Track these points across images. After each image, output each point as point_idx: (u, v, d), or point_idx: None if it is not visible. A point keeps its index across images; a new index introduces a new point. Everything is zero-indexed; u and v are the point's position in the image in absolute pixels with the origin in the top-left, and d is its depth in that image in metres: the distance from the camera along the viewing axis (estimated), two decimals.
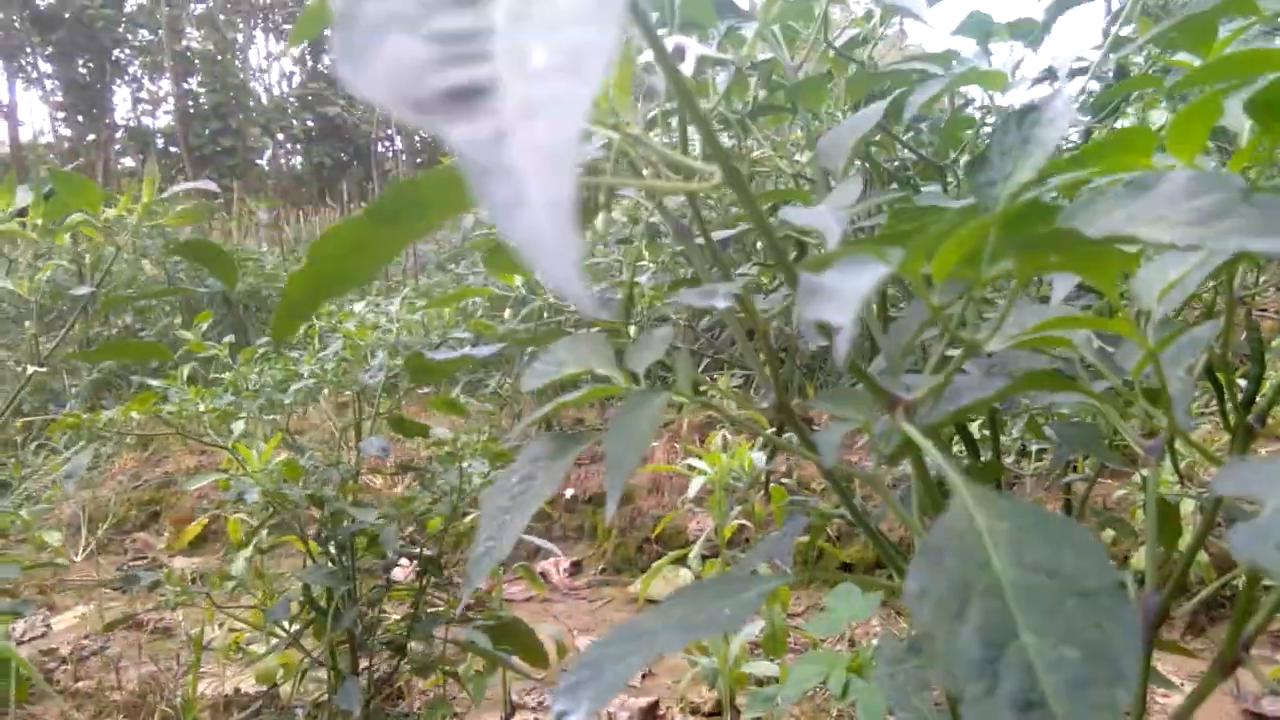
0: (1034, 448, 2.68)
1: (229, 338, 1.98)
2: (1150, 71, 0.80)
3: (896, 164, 1.28)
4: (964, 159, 1.15)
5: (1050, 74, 1.06)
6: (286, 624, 1.82)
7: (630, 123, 0.36)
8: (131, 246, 1.30)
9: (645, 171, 0.44)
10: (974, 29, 0.99)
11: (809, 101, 0.72)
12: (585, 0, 0.14)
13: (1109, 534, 2.36)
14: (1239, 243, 0.25)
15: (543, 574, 3.42)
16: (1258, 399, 0.66)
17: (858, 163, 0.82)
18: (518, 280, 2.16)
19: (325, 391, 1.84)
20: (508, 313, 3.43)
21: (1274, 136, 0.49)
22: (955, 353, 0.42)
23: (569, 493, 3.83)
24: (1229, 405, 0.63)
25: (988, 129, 1.19)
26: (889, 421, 0.41)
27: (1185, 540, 1.02)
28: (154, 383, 1.83)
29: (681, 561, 2.59)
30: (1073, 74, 0.99)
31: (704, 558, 2.60)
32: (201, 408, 1.80)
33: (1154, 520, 0.55)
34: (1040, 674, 0.26)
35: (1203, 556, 2.45)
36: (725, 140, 0.76)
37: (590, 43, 0.14)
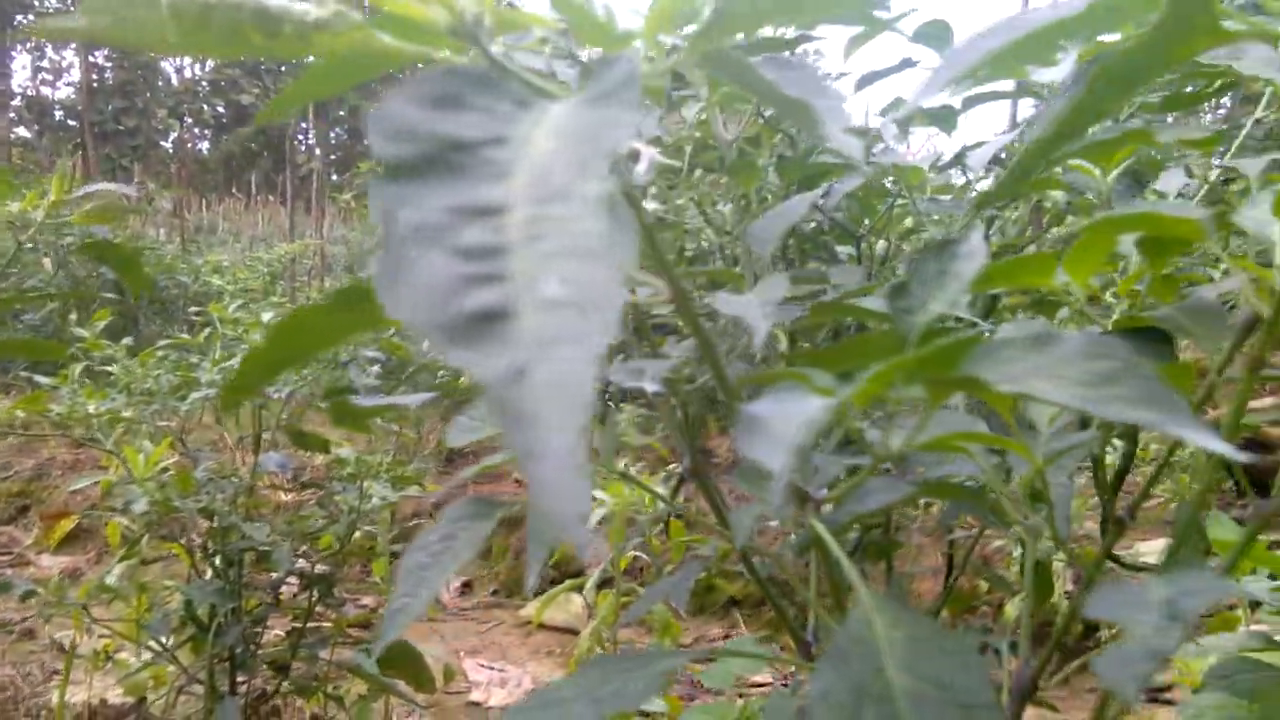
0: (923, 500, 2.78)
1: (127, 340, 1.91)
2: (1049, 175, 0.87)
3: (814, 225, 1.33)
4: (876, 228, 1.21)
5: (959, 160, 1.13)
6: (164, 638, 1.76)
7: None
8: (36, 243, 1.26)
9: None
10: (894, 113, 1.05)
11: (741, 180, 0.75)
12: (595, 233, 0.17)
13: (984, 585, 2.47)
14: (1120, 411, 0.29)
15: None
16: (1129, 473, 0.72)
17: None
18: None
19: None
20: None
21: (1156, 266, 0.54)
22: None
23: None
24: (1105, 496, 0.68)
25: (902, 200, 1.25)
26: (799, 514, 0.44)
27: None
28: (43, 380, 1.76)
29: (578, 589, 2.59)
30: (990, 165, 1.06)
31: (599, 586, 2.62)
32: (91, 408, 1.74)
33: (1030, 592, 0.59)
34: None
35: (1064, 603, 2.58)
36: (653, 205, 0.79)
37: (598, 284, 0.16)
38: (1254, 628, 1.63)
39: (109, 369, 1.96)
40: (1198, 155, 0.81)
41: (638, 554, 2.52)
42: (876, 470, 0.42)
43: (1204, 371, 0.55)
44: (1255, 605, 1.62)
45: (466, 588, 3.57)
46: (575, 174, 0.18)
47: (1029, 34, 0.28)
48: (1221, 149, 0.74)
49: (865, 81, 1.00)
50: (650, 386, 0.49)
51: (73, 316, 1.82)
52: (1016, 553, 2.70)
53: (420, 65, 0.29)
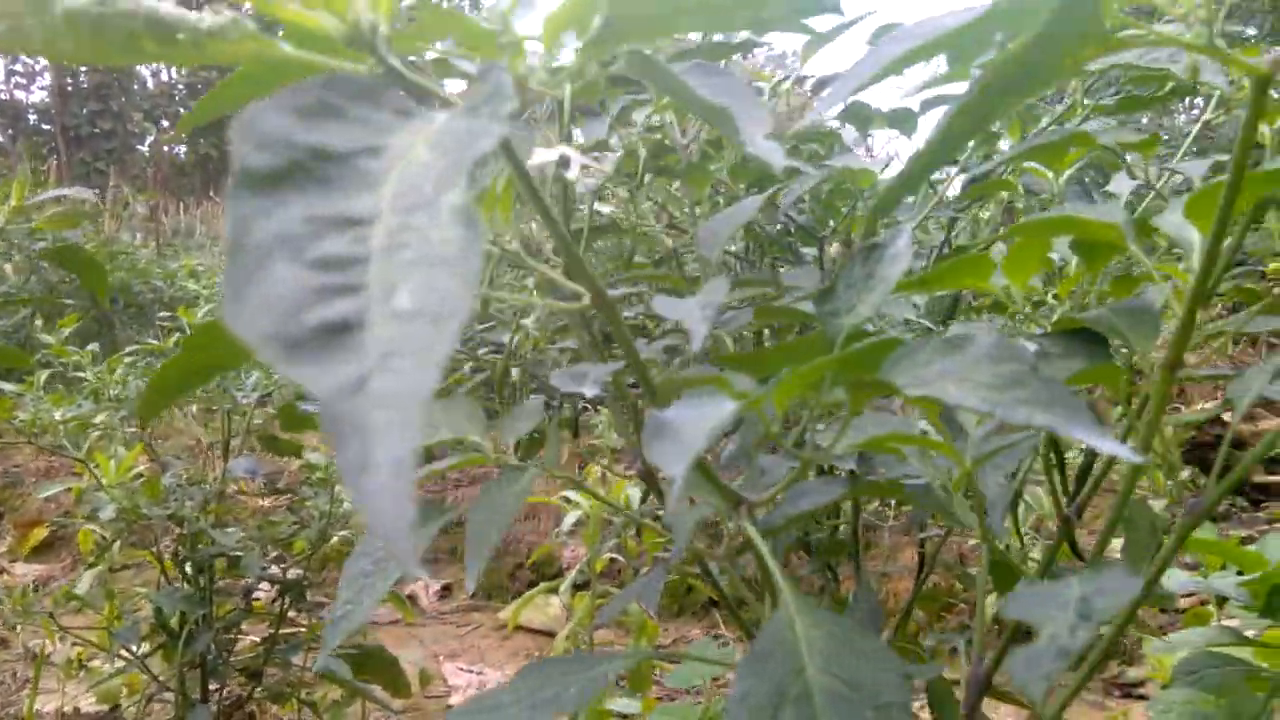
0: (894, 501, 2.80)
1: (93, 345, 1.90)
2: (1006, 175, 0.88)
3: (779, 227, 1.34)
4: (838, 230, 1.22)
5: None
6: (134, 646, 1.74)
7: (510, 240, 0.38)
8: None
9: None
10: (853, 116, 1.06)
11: (694, 183, 0.75)
12: (452, 241, 0.17)
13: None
14: (1026, 414, 0.29)
15: (410, 597, 3.36)
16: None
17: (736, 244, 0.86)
18: None
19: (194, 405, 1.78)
20: None
21: (1094, 269, 0.55)
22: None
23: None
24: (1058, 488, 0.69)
25: (864, 203, 1.26)
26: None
27: None
28: (7, 386, 1.74)
29: (554, 590, 2.59)
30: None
31: (576, 588, 2.62)
32: (58, 415, 1.72)
33: (981, 593, 0.60)
34: None
35: None
36: (608, 208, 0.79)
37: (451, 294, 0.16)
38: (1225, 623, 1.64)
39: (81, 374, 1.94)
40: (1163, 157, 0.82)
41: (614, 556, 2.52)
42: (807, 472, 0.42)
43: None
44: (1223, 601, 1.63)
45: (446, 591, 3.56)
46: (441, 184, 0.18)
47: (926, 42, 0.28)
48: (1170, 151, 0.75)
49: (822, 84, 1.01)
50: (590, 391, 0.49)
51: (38, 323, 1.80)
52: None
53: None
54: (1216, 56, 0.28)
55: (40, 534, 3.62)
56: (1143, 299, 0.49)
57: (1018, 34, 0.31)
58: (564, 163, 0.42)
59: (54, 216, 1.51)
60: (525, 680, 0.48)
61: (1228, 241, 0.64)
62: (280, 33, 0.29)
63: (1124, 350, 0.51)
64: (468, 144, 0.19)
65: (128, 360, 1.89)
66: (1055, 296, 0.59)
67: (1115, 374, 0.46)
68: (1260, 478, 3.31)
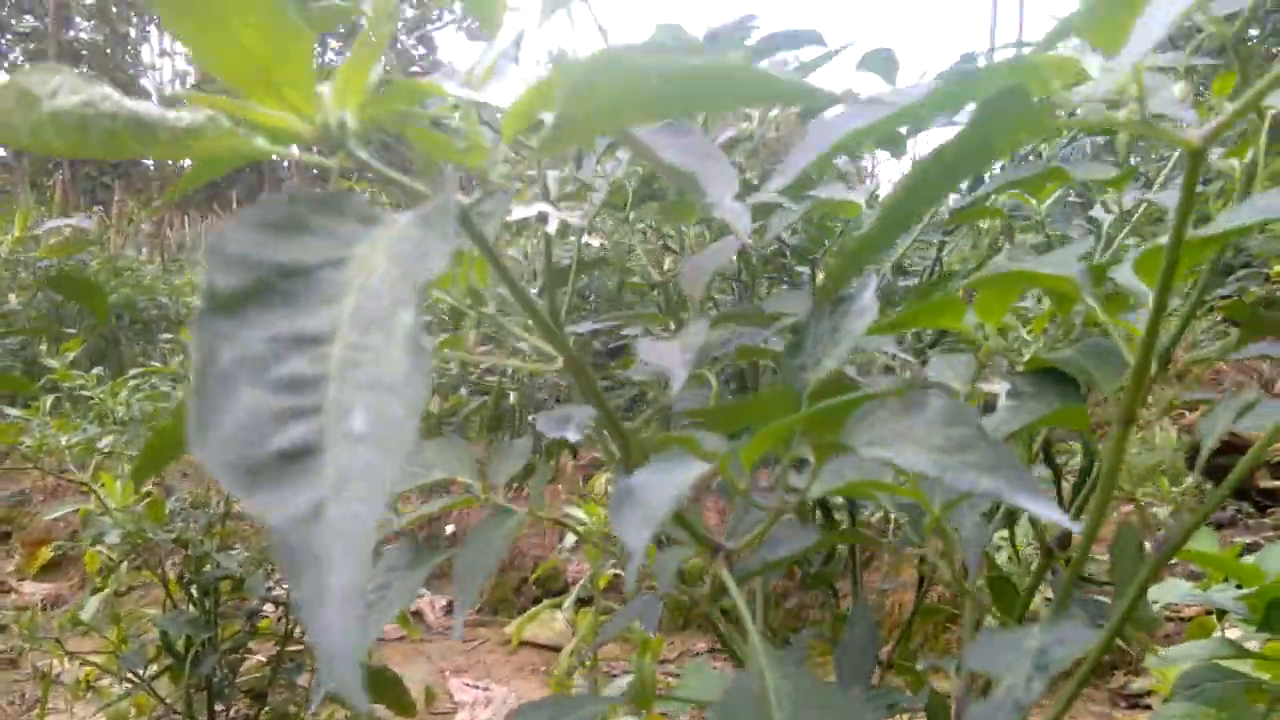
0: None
1: (98, 369, 1.92)
2: (990, 204, 0.89)
3: (773, 249, 1.35)
4: (830, 253, 1.23)
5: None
6: (141, 669, 1.76)
7: (487, 301, 0.40)
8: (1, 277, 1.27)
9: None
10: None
11: (680, 216, 0.77)
12: (401, 363, 0.18)
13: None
14: (973, 479, 0.31)
15: (416, 613, 3.37)
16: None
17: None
18: None
19: None
20: None
21: (1063, 311, 0.56)
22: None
23: (449, 529, 3.79)
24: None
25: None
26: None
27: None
28: (13, 412, 1.76)
29: (559, 606, 2.60)
30: None
31: (580, 603, 2.63)
32: (64, 440, 1.74)
33: (969, 627, 0.61)
34: None
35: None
36: (597, 241, 0.81)
37: (398, 422, 0.17)
38: (1228, 632, 1.64)
39: (87, 394, 1.96)
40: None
41: (618, 571, 2.53)
42: (779, 520, 0.43)
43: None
44: (1222, 614, 1.63)
45: (451, 607, 3.57)
46: (395, 302, 0.20)
47: (874, 122, 0.29)
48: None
49: (807, 115, 1.02)
50: (573, 435, 0.50)
51: (43, 347, 1.82)
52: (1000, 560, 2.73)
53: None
54: (1150, 134, 0.29)
55: (48, 553, 3.64)
56: (1108, 340, 0.51)
57: (955, 111, 0.32)
58: (542, 218, 0.43)
59: (58, 244, 1.53)
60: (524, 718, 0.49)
61: (1203, 273, 0.65)
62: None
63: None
64: (419, 260, 0.21)
65: (132, 383, 1.91)
66: (1029, 332, 0.60)
67: (1081, 416, 0.47)
68: (1267, 483, 3.30)
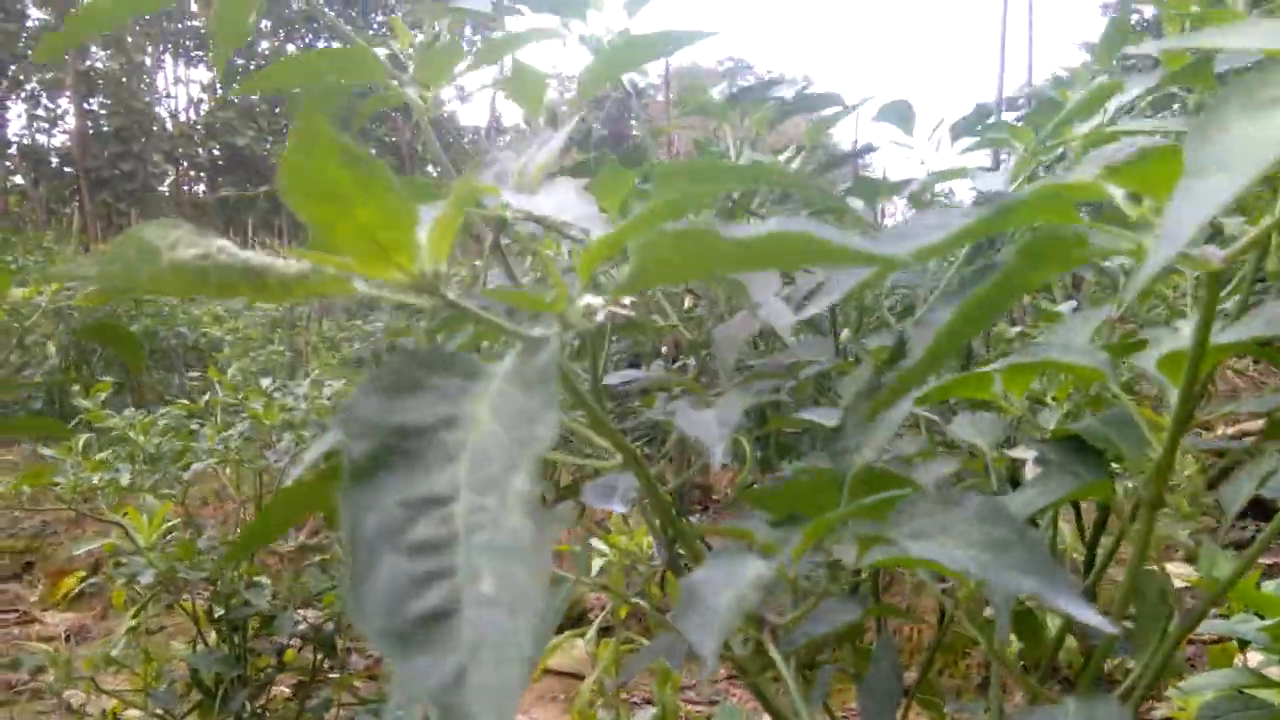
0: None
1: (128, 410, 1.96)
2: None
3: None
4: (852, 295, 1.26)
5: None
6: (173, 708, 1.79)
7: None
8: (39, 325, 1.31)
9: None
10: (862, 190, 1.10)
11: (712, 283, 0.80)
12: (523, 533, 0.20)
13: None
14: (1014, 581, 0.33)
15: None
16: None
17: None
18: None
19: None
20: None
21: (1085, 385, 0.58)
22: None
23: None
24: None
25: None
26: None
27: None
28: (47, 452, 1.80)
29: (581, 635, 2.62)
30: None
31: (601, 632, 2.64)
32: (95, 480, 1.77)
33: (996, 691, 0.63)
34: None
35: (1070, 642, 2.61)
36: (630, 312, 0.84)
37: (526, 588, 0.20)
38: (1251, 655, 1.65)
39: (113, 426, 2.00)
40: None
41: (639, 601, 2.54)
42: (826, 595, 0.46)
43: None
44: (1244, 644, 1.63)
45: None
46: (507, 465, 0.22)
47: (930, 244, 0.32)
48: None
49: (829, 166, 1.05)
50: (619, 508, 0.53)
51: (75, 388, 1.86)
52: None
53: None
54: (1174, 260, 0.32)
55: (71, 583, 3.67)
56: (1130, 412, 0.53)
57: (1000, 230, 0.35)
58: (590, 312, 0.46)
59: (94, 293, 1.57)
60: None
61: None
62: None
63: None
64: (527, 425, 0.23)
65: (161, 423, 1.94)
66: (1053, 398, 0.62)
67: (1108, 489, 0.50)
68: None
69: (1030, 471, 0.57)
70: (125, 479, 1.79)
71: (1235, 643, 1.85)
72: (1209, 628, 1.43)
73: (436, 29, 0.75)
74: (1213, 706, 1.10)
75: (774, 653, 0.45)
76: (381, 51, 0.73)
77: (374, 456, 0.23)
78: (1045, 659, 0.70)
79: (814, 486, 0.42)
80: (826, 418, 0.53)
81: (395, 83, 0.68)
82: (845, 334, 0.86)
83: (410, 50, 0.71)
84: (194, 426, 1.96)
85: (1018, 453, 0.59)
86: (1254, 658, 1.64)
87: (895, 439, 0.66)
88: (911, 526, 0.37)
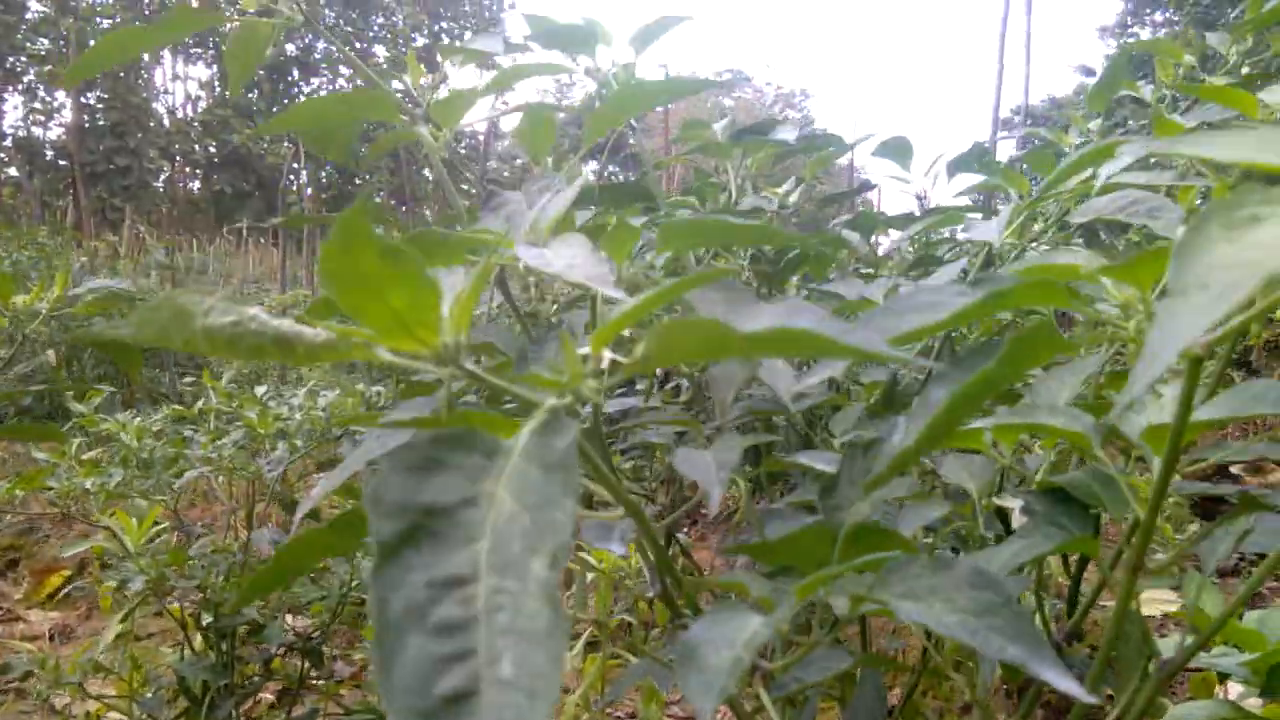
0: None
1: (125, 415, 1.96)
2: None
3: None
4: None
5: (923, 263, 1.20)
6: (159, 714, 1.79)
7: None
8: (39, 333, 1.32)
9: None
10: (861, 225, 1.12)
11: None
12: (541, 618, 0.22)
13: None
14: (999, 646, 0.35)
15: None
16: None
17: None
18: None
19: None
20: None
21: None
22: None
23: None
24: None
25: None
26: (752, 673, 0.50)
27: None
28: (40, 455, 1.80)
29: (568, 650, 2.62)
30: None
31: (588, 647, 2.65)
32: (89, 485, 1.78)
33: (976, 687, 0.64)
34: None
35: None
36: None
37: (543, 673, 0.21)
38: (1231, 686, 1.66)
39: (107, 430, 2.00)
40: None
41: (627, 618, 2.55)
42: (819, 642, 0.47)
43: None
44: (1224, 675, 1.65)
45: None
46: (527, 549, 0.24)
47: (924, 326, 0.34)
48: None
49: (828, 202, 1.07)
50: (618, 549, 0.54)
51: (69, 392, 1.86)
52: None
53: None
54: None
55: (56, 581, 3.66)
56: (1115, 468, 0.55)
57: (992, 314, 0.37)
58: (601, 390, 0.47)
59: (94, 301, 1.58)
60: None
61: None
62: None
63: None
64: (545, 510, 0.25)
65: (155, 429, 1.95)
66: (1041, 446, 0.64)
67: (1094, 545, 0.51)
68: None
69: (1017, 521, 0.58)
70: (116, 481, 1.80)
71: (1215, 673, 1.87)
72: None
73: (449, 66, 0.77)
74: None
75: (765, 699, 0.46)
76: (396, 86, 0.74)
77: (400, 537, 0.24)
78: (1030, 684, 0.72)
79: (809, 540, 0.43)
80: (822, 463, 0.55)
81: (407, 118, 0.70)
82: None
83: (420, 89, 0.72)
84: (187, 433, 1.97)
85: (1004, 501, 0.61)
86: (1234, 689, 1.66)
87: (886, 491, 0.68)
88: (903, 587, 0.39)
